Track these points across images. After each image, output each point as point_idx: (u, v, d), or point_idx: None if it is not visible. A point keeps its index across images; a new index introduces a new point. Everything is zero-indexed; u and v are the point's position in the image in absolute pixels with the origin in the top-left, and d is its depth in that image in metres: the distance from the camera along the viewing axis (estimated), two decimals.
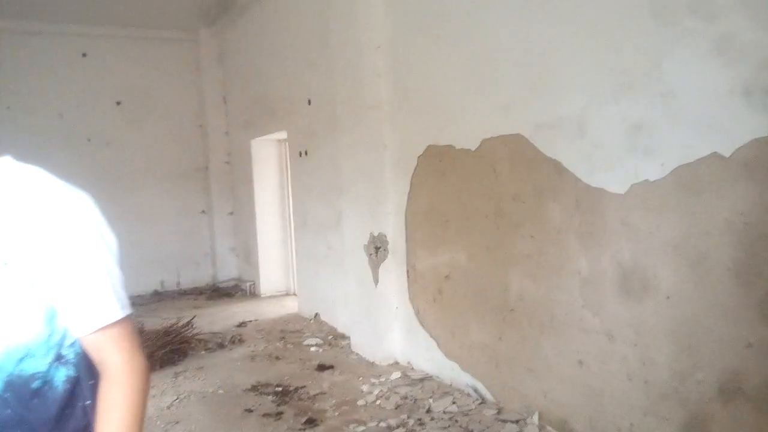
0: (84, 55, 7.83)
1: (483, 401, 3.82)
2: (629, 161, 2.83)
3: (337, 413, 3.86)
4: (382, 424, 3.62)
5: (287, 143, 6.70)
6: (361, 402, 4.00)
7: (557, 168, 3.19)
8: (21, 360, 1.01)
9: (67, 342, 1.07)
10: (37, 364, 1.03)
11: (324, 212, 5.75)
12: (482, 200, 3.77)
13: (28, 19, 7.26)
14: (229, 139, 8.34)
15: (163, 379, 4.67)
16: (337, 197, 5.27)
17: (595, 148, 2.99)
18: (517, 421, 3.46)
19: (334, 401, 4.04)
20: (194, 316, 5.74)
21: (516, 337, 3.58)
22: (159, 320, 5.93)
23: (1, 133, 7.26)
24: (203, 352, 5.31)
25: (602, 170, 2.96)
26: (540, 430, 3.34)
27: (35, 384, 1.03)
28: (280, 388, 4.33)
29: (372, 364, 4.72)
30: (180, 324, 5.48)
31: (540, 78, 3.27)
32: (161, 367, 4.87)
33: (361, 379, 4.42)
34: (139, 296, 7.74)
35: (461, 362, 4.06)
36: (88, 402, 1.09)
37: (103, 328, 1.03)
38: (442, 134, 4.09)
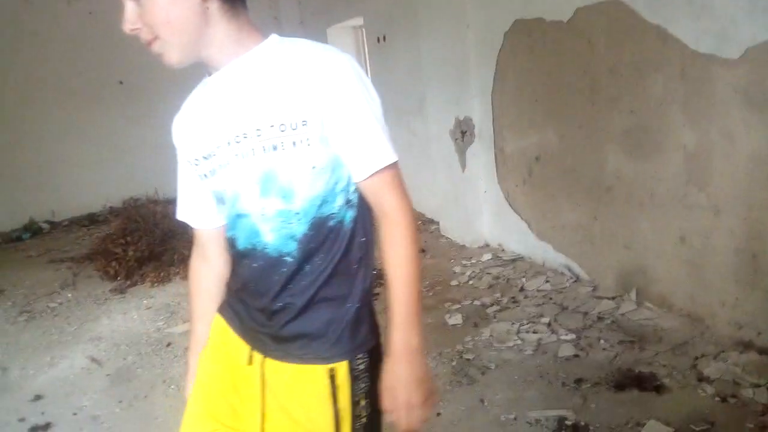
0: None
1: (577, 280, 3.84)
2: (745, 22, 2.58)
3: (431, 293, 4.00)
4: (477, 303, 3.73)
5: (363, 29, 6.53)
6: (454, 282, 4.13)
7: (661, 35, 2.96)
8: (320, 206, 1.19)
9: (352, 189, 1.23)
10: (331, 208, 1.20)
11: (406, 98, 5.66)
12: (575, 76, 3.59)
13: None
14: (305, 29, 8.20)
15: None
16: (418, 82, 5.15)
17: (705, 10, 2.73)
18: (613, 298, 3.48)
19: (427, 282, 4.18)
20: None
21: (612, 216, 3.51)
22: None
23: (84, 37, 7.47)
24: None
25: (713, 35, 2.72)
26: (638, 305, 3.34)
27: (331, 223, 1.21)
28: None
29: (462, 247, 4.81)
30: None
31: None
32: None
33: (452, 261, 4.53)
34: None
35: (554, 242, 4.06)
36: (363, 239, 1.26)
37: (378, 172, 1.17)
38: (531, 6, 3.85)
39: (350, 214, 1.23)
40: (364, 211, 1.26)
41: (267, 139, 1.15)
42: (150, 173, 7.63)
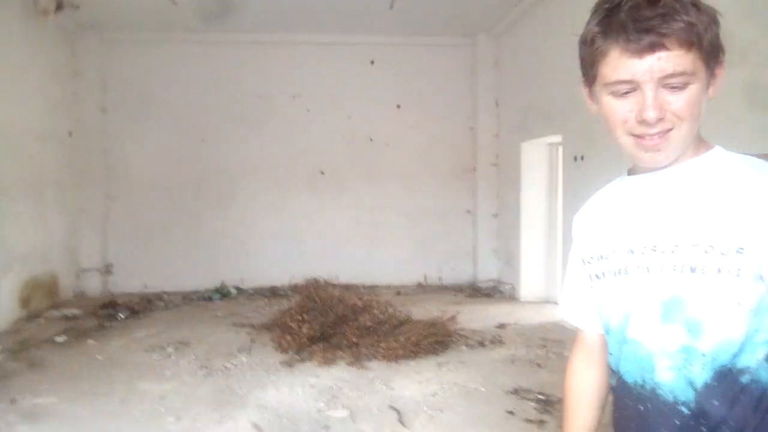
0: (372, 62, 8.57)
1: None
2: None
3: None
4: None
5: (561, 147, 6.51)
6: None
7: None
8: (735, 354, 1.00)
9: None
10: (748, 360, 1.01)
11: None
12: None
13: (327, 32, 8.17)
14: (499, 142, 8.41)
15: (427, 367, 4.89)
16: None
17: None
18: None
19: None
20: (457, 312, 5.90)
21: None
22: (424, 310, 6.23)
23: (300, 131, 8.34)
24: (464, 348, 5.43)
25: None
26: None
27: (744, 380, 1.01)
28: (543, 397, 4.22)
29: None
30: (444, 318, 5.68)
31: None
32: (426, 355, 5.11)
33: None
34: (404, 286, 8.25)
35: None
36: None
37: None
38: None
39: (766, 374, 1.01)
40: None
41: (684, 258, 1.02)
42: (333, 258, 8.10)
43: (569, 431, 1.33)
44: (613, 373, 1.17)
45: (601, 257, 1.16)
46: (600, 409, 1.30)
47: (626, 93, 1.03)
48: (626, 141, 1.07)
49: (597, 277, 1.18)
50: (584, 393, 1.31)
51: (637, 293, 1.08)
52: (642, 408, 1.08)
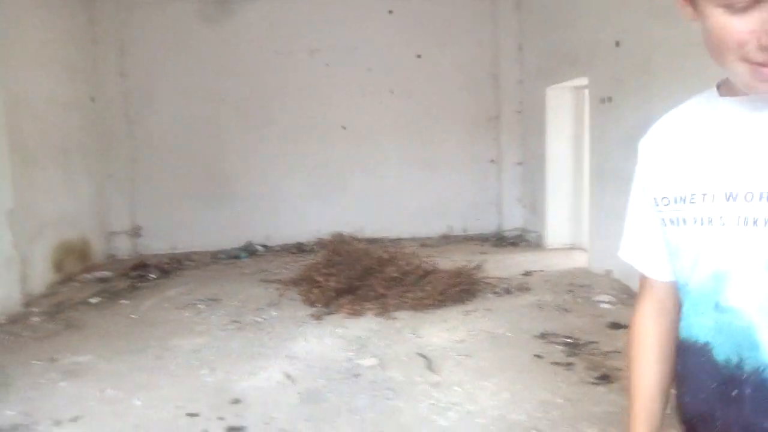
0: (390, 12, 8.37)
1: None
2: None
3: None
4: None
5: (587, 90, 6.34)
6: None
7: None
8: None
9: None
10: None
11: (628, 163, 5.31)
12: None
13: None
14: (522, 88, 8.23)
15: (454, 315, 4.91)
16: None
17: None
18: None
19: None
20: (483, 261, 5.88)
21: None
22: (449, 261, 6.23)
23: (320, 86, 8.25)
24: (490, 295, 5.43)
25: None
26: None
27: None
28: (570, 340, 4.22)
29: None
30: (470, 267, 5.67)
31: None
32: (453, 303, 5.13)
33: None
34: (429, 238, 8.26)
35: None
36: None
37: None
38: None
39: None
40: None
41: None
42: (358, 213, 8.12)
43: (638, 391, 1.09)
44: (686, 344, 0.96)
45: (682, 199, 0.94)
46: (673, 363, 1.06)
47: (747, 7, 0.76)
48: (739, 68, 0.80)
49: (673, 222, 0.96)
50: (655, 345, 1.10)
51: (738, 250, 0.86)
52: (736, 393, 0.87)
